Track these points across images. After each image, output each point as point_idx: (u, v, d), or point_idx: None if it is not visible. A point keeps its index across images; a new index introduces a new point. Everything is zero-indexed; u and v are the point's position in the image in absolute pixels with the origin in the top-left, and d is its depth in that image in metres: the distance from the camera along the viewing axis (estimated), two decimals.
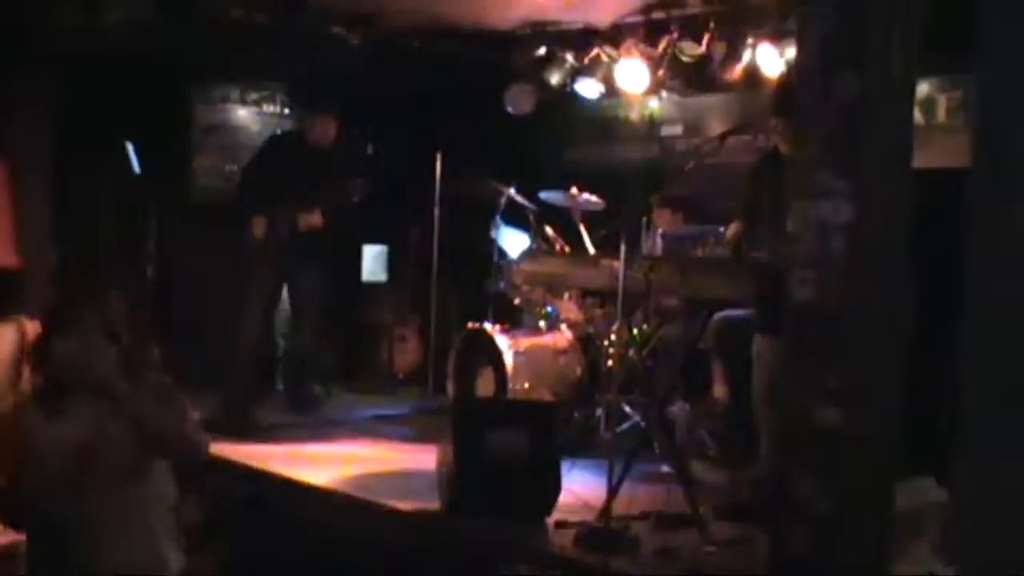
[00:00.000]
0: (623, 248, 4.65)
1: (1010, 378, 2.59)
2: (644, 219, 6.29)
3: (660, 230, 6.34)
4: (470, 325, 6.73)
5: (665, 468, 5.23)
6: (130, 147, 6.82)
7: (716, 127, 7.17)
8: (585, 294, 6.44)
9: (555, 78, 7.76)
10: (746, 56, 6.79)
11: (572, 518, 4.54)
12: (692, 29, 7.01)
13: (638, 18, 7.14)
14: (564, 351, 6.52)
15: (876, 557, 3.54)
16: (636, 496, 4.81)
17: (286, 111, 8.19)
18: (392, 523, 4.71)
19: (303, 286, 6.92)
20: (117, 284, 4.60)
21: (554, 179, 6.88)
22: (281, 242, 6.70)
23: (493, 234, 6.77)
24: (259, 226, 6.67)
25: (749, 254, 5.17)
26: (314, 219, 6.72)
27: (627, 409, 6.03)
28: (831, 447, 3.51)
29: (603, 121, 8.20)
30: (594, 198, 6.58)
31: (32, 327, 4.76)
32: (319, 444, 6.16)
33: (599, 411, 6.20)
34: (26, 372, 4.48)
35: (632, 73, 7.20)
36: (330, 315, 8.14)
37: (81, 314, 3.61)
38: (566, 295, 6.56)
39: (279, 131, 7.93)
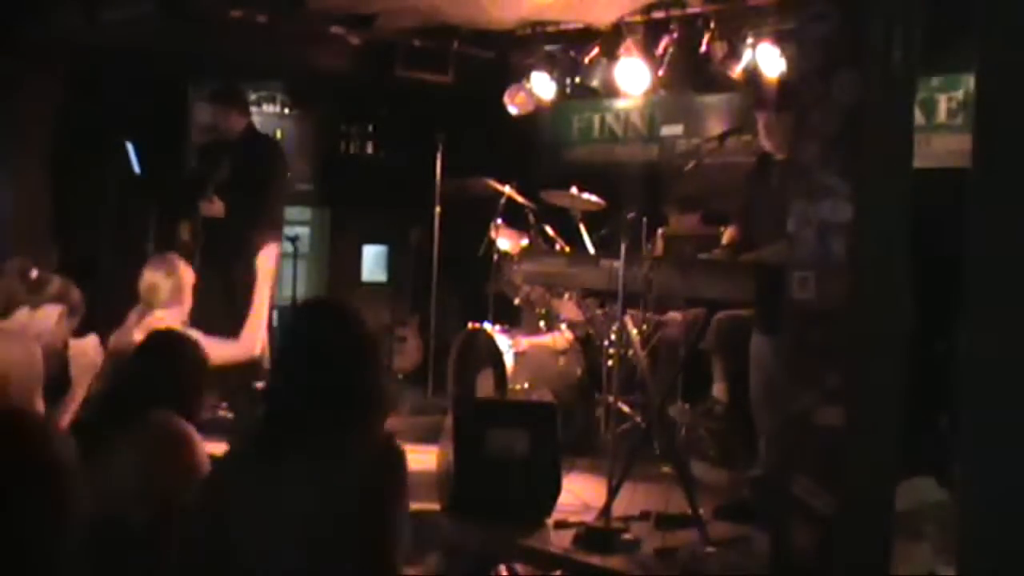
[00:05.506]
0: (623, 248, 4.65)
1: (1010, 377, 2.59)
2: (645, 219, 6.28)
3: (663, 229, 6.35)
4: (470, 325, 6.72)
5: (665, 468, 5.23)
6: (130, 147, 6.80)
7: (716, 127, 7.16)
8: (585, 294, 6.43)
9: (555, 78, 7.76)
10: (746, 56, 6.79)
11: (572, 518, 4.53)
12: (692, 29, 7.00)
13: (638, 18, 7.13)
14: (564, 351, 6.51)
15: (876, 557, 3.55)
16: (636, 496, 4.80)
17: (286, 111, 8.18)
18: None
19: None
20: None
21: (554, 179, 6.87)
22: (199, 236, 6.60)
23: (493, 234, 6.77)
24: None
25: (746, 255, 5.18)
26: (214, 207, 6.48)
27: (627, 409, 6.02)
28: (831, 447, 3.51)
29: (603, 121, 8.20)
30: (594, 198, 6.57)
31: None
32: None
33: (599, 411, 6.20)
34: None
35: (632, 73, 7.19)
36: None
37: None
38: (566, 295, 6.55)
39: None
